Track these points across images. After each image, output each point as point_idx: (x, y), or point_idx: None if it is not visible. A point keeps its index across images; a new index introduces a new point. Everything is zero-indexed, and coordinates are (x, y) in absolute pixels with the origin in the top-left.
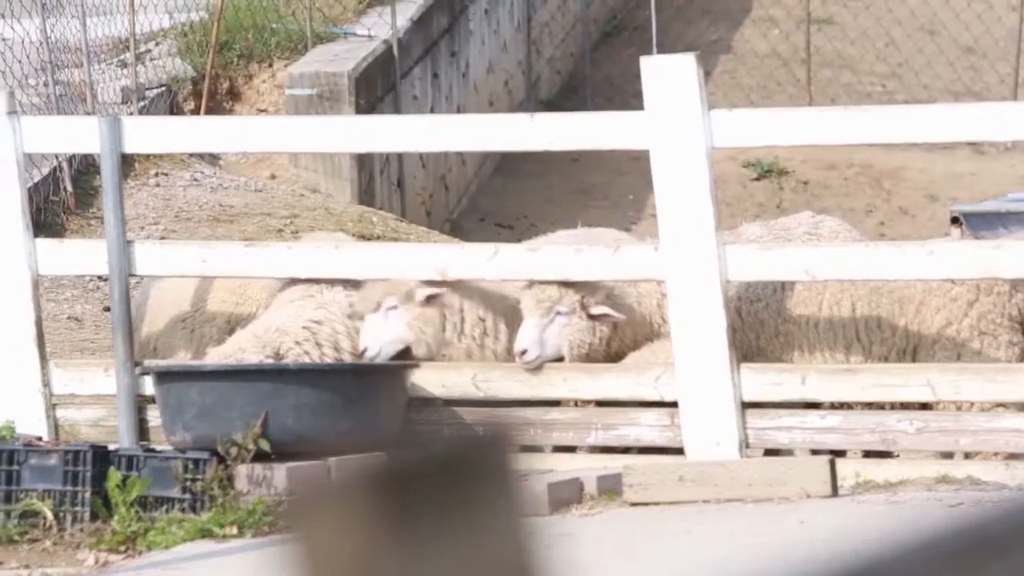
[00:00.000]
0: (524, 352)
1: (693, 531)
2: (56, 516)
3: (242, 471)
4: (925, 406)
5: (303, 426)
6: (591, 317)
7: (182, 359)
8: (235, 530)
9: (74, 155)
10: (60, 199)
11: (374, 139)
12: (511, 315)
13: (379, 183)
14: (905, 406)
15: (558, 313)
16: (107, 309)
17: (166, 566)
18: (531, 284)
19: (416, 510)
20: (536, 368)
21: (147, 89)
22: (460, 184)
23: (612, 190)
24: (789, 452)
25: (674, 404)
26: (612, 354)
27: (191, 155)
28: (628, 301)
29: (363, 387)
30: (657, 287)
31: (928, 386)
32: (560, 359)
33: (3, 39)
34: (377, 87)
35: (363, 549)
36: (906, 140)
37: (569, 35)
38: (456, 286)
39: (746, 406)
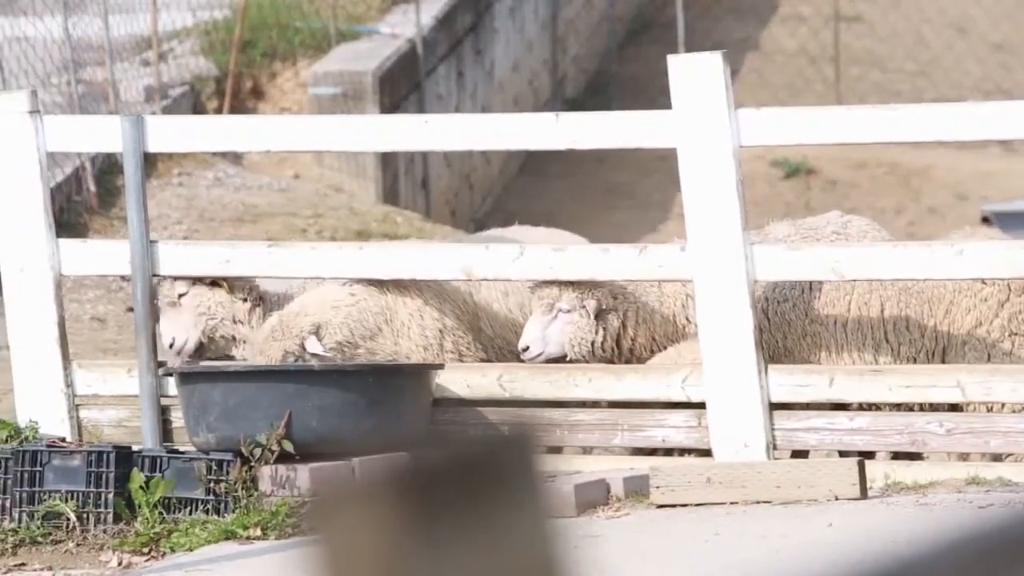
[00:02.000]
0: (526, 349)
1: (721, 533)
2: (79, 517)
3: (266, 472)
4: (954, 407)
5: (327, 427)
6: (599, 316)
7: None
8: (259, 532)
9: (97, 154)
10: (83, 199)
11: (398, 138)
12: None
13: (403, 182)
14: (934, 407)
15: (560, 311)
16: (130, 309)
17: (189, 568)
18: (538, 284)
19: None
20: (561, 368)
21: (170, 88)
22: (485, 184)
23: (638, 189)
24: (817, 454)
25: (701, 405)
26: (628, 354)
27: (214, 154)
28: (645, 300)
29: (387, 388)
30: (682, 288)
31: (958, 387)
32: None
33: (25, 37)
34: (401, 86)
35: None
36: (935, 139)
37: (595, 33)
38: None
39: (774, 407)
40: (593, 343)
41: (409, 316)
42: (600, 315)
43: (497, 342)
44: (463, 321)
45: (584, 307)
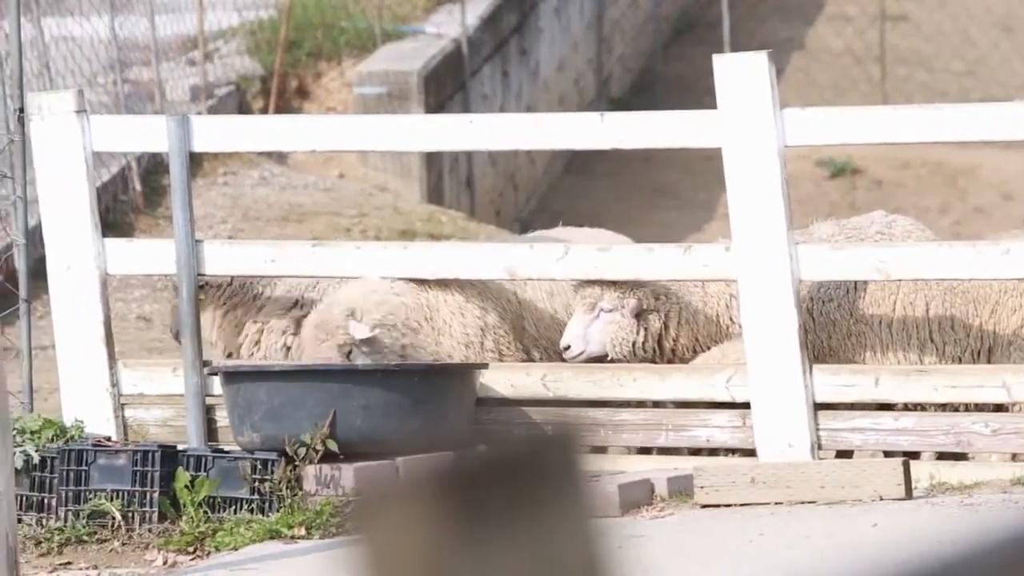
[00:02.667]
0: (567, 348)
1: (766, 533)
2: (124, 516)
3: (310, 472)
4: (999, 407)
5: (371, 426)
6: (639, 316)
7: None
8: (303, 531)
9: (143, 154)
10: (129, 198)
11: (443, 138)
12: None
13: (448, 182)
14: (979, 407)
15: (602, 310)
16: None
17: (234, 567)
18: (581, 284)
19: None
20: (606, 368)
21: (216, 88)
22: (530, 183)
23: (683, 189)
24: (862, 454)
25: (745, 405)
26: (670, 354)
27: (259, 154)
28: (688, 300)
29: (432, 387)
30: (726, 288)
31: (1003, 387)
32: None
33: (72, 37)
34: (446, 86)
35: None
36: (981, 138)
37: (640, 33)
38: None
39: (818, 407)
40: (634, 343)
41: (451, 313)
42: (641, 315)
43: (541, 342)
44: (506, 320)
45: (624, 306)
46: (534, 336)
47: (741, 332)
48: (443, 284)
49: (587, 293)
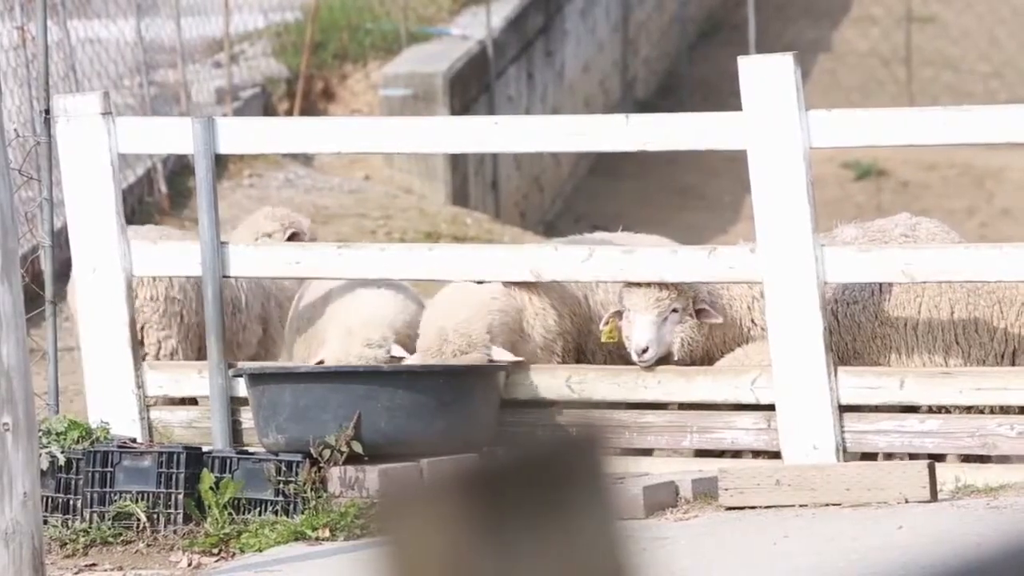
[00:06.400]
0: (646, 350)
1: (791, 536)
2: (150, 518)
3: (335, 473)
4: None
5: (396, 428)
6: (698, 314)
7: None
8: (328, 532)
9: (168, 156)
10: (154, 200)
11: (468, 140)
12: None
13: (473, 184)
14: (1005, 410)
15: (673, 311)
16: None
17: (259, 568)
18: (648, 285)
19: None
20: (630, 370)
21: (241, 90)
22: (555, 185)
23: (709, 191)
24: (887, 456)
25: (770, 407)
26: (700, 357)
27: (285, 156)
28: (722, 302)
29: (456, 389)
30: (748, 291)
31: None
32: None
33: (99, 39)
34: (471, 87)
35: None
36: (1008, 140)
37: (666, 34)
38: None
39: (843, 409)
40: (699, 343)
41: (534, 316)
42: (703, 313)
43: (607, 344)
44: (575, 324)
45: (685, 308)
46: (599, 338)
47: (763, 334)
48: (528, 287)
49: (662, 295)
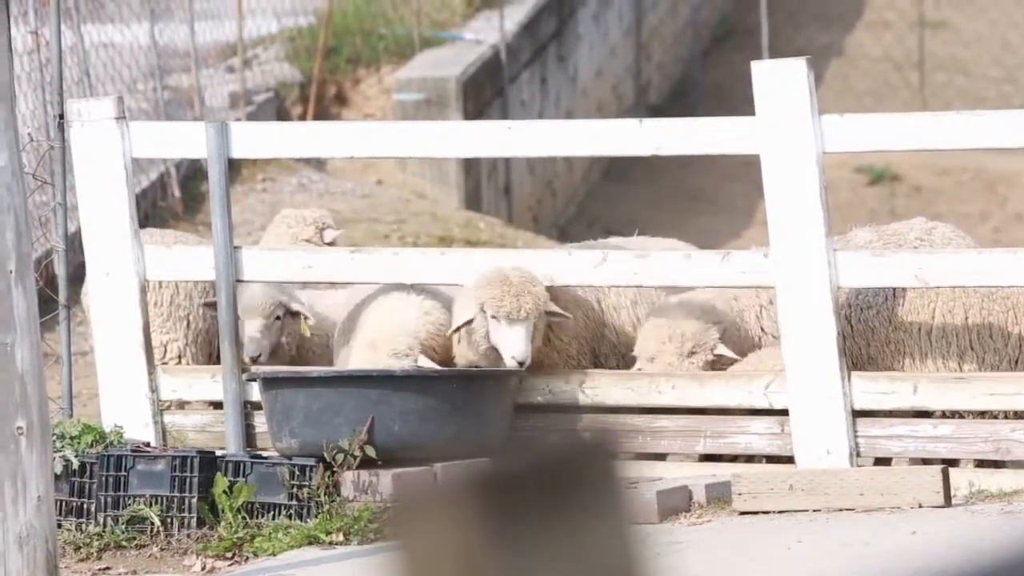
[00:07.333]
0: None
1: (804, 540)
2: (163, 522)
3: (348, 477)
4: None
5: (409, 432)
6: (716, 356)
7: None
8: (341, 537)
9: (182, 160)
10: (167, 204)
11: (481, 144)
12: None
13: (486, 189)
14: (1019, 415)
15: (692, 352)
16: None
17: (273, 572)
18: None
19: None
20: (644, 375)
21: (255, 94)
22: (568, 190)
23: (721, 196)
24: (900, 461)
25: (784, 412)
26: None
27: (298, 160)
28: (732, 318)
29: (470, 393)
30: (756, 299)
31: None
32: None
33: (112, 44)
34: (485, 92)
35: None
36: (1022, 145)
37: (679, 39)
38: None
39: (857, 414)
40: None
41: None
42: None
43: (620, 349)
44: (588, 328)
45: (712, 350)
46: (613, 343)
47: (773, 342)
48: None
49: (689, 336)
